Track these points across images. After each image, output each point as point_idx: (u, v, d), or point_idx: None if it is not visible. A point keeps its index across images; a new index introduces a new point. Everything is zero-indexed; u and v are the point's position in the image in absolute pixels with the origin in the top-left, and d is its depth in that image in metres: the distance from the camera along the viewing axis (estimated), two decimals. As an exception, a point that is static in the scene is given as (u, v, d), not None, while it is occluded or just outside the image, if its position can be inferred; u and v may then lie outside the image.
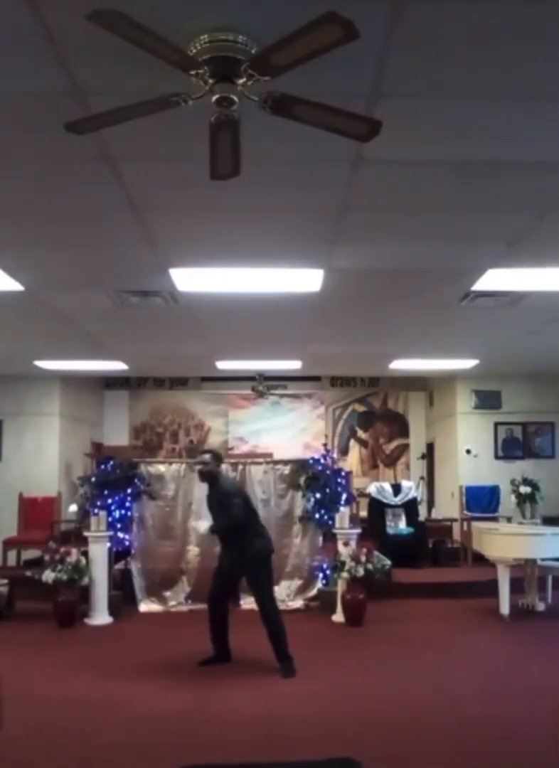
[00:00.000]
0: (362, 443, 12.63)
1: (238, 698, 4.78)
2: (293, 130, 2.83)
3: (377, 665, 5.65)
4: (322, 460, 8.02)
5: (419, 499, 10.43)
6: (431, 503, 11.78)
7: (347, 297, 6.14)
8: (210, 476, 5.62)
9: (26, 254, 4.95)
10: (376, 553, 7.46)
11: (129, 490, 7.85)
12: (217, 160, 2.88)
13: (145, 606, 7.71)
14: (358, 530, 7.52)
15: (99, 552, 7.25)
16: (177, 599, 7.76)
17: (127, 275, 5.51)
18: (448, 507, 10.82)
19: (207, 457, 5.69)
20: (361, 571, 6.79)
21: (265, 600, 5.46)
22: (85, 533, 7.41)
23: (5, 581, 7.29)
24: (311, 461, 8.03)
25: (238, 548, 5.44)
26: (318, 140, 2.99)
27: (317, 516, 7.72)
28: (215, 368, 10.07)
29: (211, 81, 2.50)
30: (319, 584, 7.74)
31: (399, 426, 12.61)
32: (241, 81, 2.50)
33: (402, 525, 9.65)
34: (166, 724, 4.32)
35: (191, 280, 5.56)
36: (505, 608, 6.89)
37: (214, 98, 2.53)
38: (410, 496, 9.87)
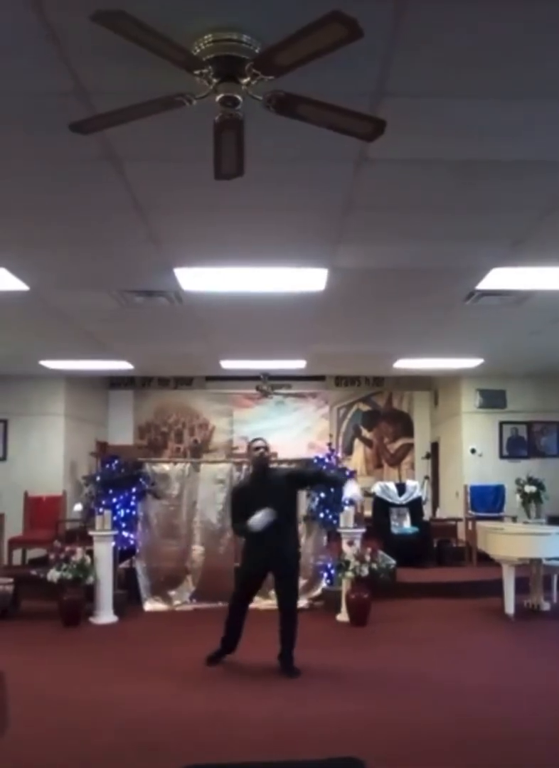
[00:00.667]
0: (367, 443, 12.62)
1: (242, 698, 4.78)
2: (297, 129, 2.84)
3: (381, 665, 5.64)
4: (326, 460, 8.02)
5: (423, 498, 10.42)
6: (435, 503, 11.77)
7: (351, 296, 6.14)
8: (267, 461, 5.47)
9: (31, 254, 4.96)
10: (380, 552, 7.45)
11: (134, 490, 7.86)
12: (221, 159, 2.89)
13: (150, 605, 7.72)
14: (362, 530, 7.52)
15: (104, 551, 7.27)
16: (182, 598, 7.77)
17: (132, 275, 5.52)
18: (452, 506, 10.80)
19: (264, 442, 5.49)
20: (365, 571, 6.79)
21: (295, 599, 5.36)
22: (90, 532, 7.42)
23: (10, 580, 7.30)
24: (315, 460, 8.03)
25: (276, 545, 5.14)
26: (322, 139, 3.00)
27: (321, 515, 7.72)
28: (220, 368, 10.08)
29: (215, 80, 2.50)
30: (323, 584, 7.74)
31: (404, 425, 12.59)
32: (245, 80, 2.50)
33: (407, 524, 9.65)
34: (170, 724, 4.32)
35: (196, 279, 5.57)
36: (510, 608, 6.87)
37: (218, 98, 2.53)
38: (415, 495, 9.86)
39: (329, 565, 7.61)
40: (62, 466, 10.36)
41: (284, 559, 5.23)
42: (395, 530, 9.53)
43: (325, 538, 7.83)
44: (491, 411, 10.75)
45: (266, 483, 5.35)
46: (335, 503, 7.65)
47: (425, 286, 5.79)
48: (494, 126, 3.17)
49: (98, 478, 7.92)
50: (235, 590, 5.50)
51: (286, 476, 5.53)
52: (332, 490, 7.30)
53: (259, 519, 5.00)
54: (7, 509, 8.64)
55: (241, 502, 5.37)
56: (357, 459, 12.44)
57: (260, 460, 5.41)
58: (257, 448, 5.39)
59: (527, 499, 9.71)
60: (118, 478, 7.83)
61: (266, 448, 5.42)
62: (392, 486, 9.94)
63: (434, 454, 12.30)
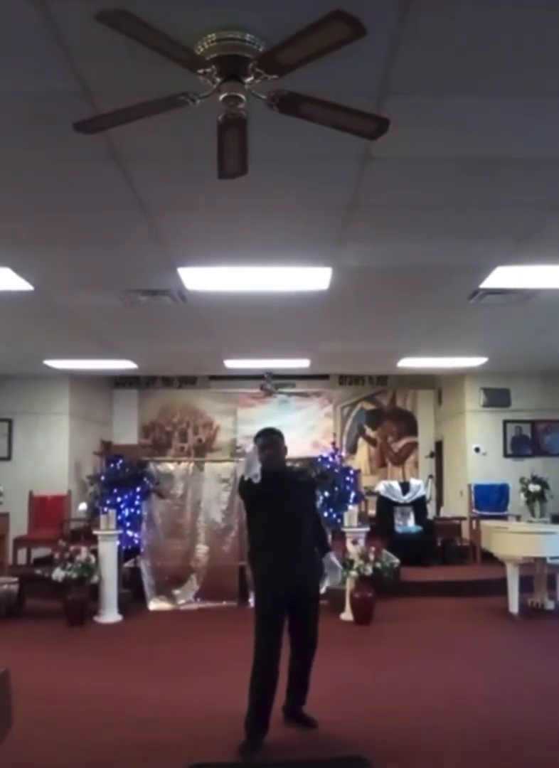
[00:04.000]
0: (371, 441, 12.61)
1: (246, 696, 4.77)
2: (300, 128, 2.84)
3: (385, 664, 5.64)
4: (330, 459, 8.03)
5: (427, 497, 10.42)
6: (439, 502, 11.76)
7: (354, 295, 6.14)
8: (281, 463, 4.30)
9: (35, 254, 4.97)
10: (384, 551, 7.46)
11: (138, 489, 7.88)
12: (225, 158, 2.89)
13: (155, 604, 7.73)
14: (366, 529, 7.52)
15: (108, 550, 7.28)
16: (186, 597, 7.78)
17: (136, 274, 5.53)
18: (457, 505, 10.79)
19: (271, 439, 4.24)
20: (369, 570, 6.80)
21: (316, 640, 4.22)
22: (95, 531, 7.44)
23: (15, 579, 7.33)
24: (319, 460, 8.05)
25: (302, 569, 4.07)
26: (326, 138, 3.00)
27: (325, 514, 7.71)
28: (224, 367, 10.09)
29: (218, 79, 2.50)
30: (327, 582, 7.74)
31: (408, 424, 12.58)
32: (248, 79, 2.50)
33: (411, 523, 9.64)
34: (175, 722, 4.33)
35: (200, 278, 5.57)
36: (514, 607, 6.87)
37: (221, 97, 2.53)
38: (419, 494, 9.86)
39: (334, 564, 7.60)
40: (67, 466, 10.39)
41: (309, 588, 4.16)
42: (399, 529, 9.53)
43: (329, 537, 7.81)
44: (495, 409, 10.74)
45: (286, 482, 4.19)
46: (339, 502, 7.66)
47: (429, 284, 5.79)
48: (499, 123, 3.16)
49: (103, 478, 7.94)
50: (267, 643, 4.00)
51: (310, 488, 4.56)
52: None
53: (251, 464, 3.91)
54: (12, 509, 8.66)
55: (255, 496, 4.01)
56: (361, 458, 12.43)
57: (271, 463, 4.07)
58: (263, 448, 4.13)
59: (531, 497, 9.70)
60: (122, 477, 7.85)
61: (276, 446, 4.18)
62: (396, 485, 9.94)
63: (438, 452, 12.29)
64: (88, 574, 6.95)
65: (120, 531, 7.49)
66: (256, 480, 3.84)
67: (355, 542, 7.13)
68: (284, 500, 4.04)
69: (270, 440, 4.19)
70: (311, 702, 4.36)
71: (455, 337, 8.01)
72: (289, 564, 4.00)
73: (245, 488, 4.03)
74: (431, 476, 11.80)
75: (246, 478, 3.94)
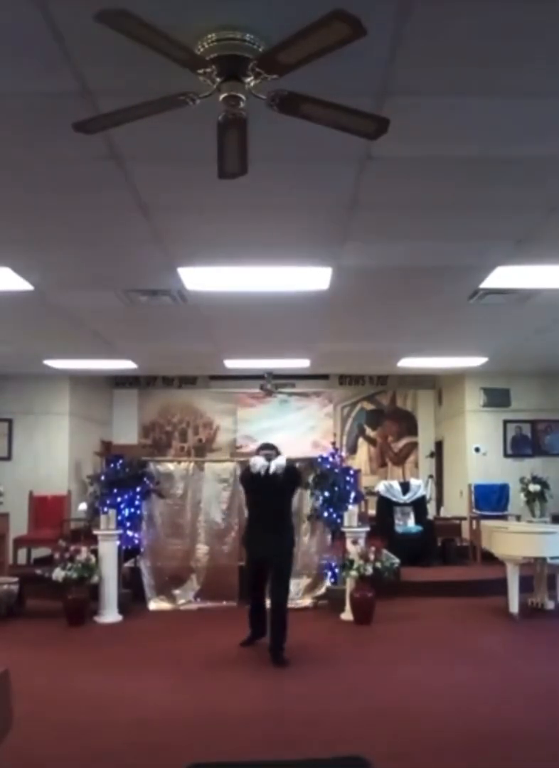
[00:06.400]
0: (371, 441, 12.61)
1: (246, 696, 4.79)
2: (300, 128, 2.84)
3: (385, 664, 5.64)
4: (330, 459, 8.02)
5: (427, 497, 10.41)
6: (439, 501, 11.76)
7: (355, 295, 6.14)
8: (272, 475, 5.82)
9: (35, 254, 4.97)
10: (384, 551, 7.46)
11: (138, 489, 7.87)
12: (225, 158, 2.89)
13: (155, 604, 7.73)
14: (366, 528, 7.52)
15: (108, 550, 7.28)
16: (186, 597, 7.77)
17: (136, 274, 5.53)
18: (457, 505, 10.79)
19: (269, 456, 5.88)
20: (369, 570, 6.79)
21: (285, 592, 5.76)
22: (95, 531, 7.43)
23: (16, 579, 7.32)
24: (319, 459, 8.03)
25: (269, 539, 5.63)
26: (326, 138, 3.00)
27: (325, 514, 7.71)
28: (224, 367, 10.09)
29: (218, 79, 2.50)
30: (327, 582, 7.74)
31: (408, 424, 12.58)
32: (248, 79, 2.51)
33: (411, 523, 9.64)
34: (174, 722, 4.33)
35: (200, 278, 5.57)
36: (514, 607, 6.87)
37: (221, 97, 2.53)
38: (419, 494, 9.85)
39: (334, 564, 7.61)
40: (67, 466, 10.39)
41: (278, 552, 5.68)
42: (399, 529, 9.52)
43: (329, 536, 7.83)
44: (495, 409, 10.74)
45: (271, 479, 5.76)
46: (339, 502, 7.65)
47: (429, 284, 5.79)
48: (499, 124, 3.17)
49: (103, 478, 7.93)
50: (250, 584, 6.02)
51: (284, 473, 5.87)
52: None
53: None
54: (13, 508, 8.66)
55: (248, 489, 6.08)
56: (361, 458, 12.43)
57: (266, 476, 5.79)
58: (263, 454, 5.88)
59: (531, 497, 9.70)
60: (122, 477, 7.84)
61: (270, 457, 5.82)
62: (396, 485, 9.93)
63: (438, 452, 12.29)
64: (88, 574, 6.95)
65: (120, 531, 7.49)
66: (254, 470, 5.82)
67: (355, 542, 7.13)
68: (266, 490, 5.76)
69: (268, 451, 5.93)
70: (312, 701, 4.37)
71: (455, 337, 8.01)
72: (265, 535, 5.66)
73: (245, 472, 6.11)
74: (431, 476, 11.80)
75: (246, 467, 6.09)
